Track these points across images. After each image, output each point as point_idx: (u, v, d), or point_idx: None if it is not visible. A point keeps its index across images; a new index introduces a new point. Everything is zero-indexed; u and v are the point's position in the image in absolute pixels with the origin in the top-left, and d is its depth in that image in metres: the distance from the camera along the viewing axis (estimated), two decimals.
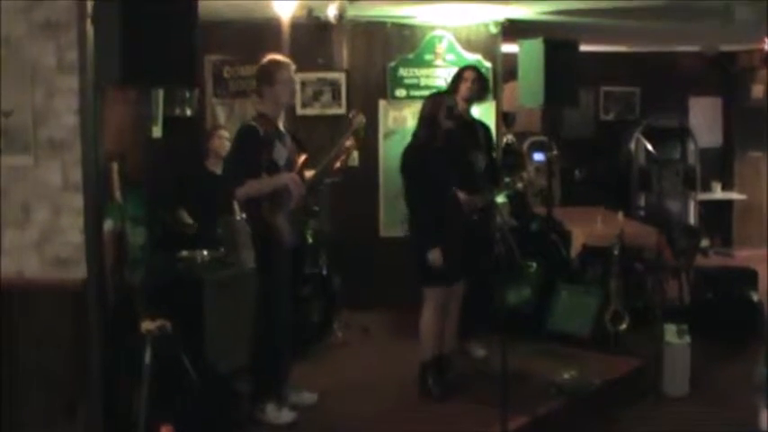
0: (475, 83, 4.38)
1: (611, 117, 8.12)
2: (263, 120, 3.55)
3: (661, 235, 5.13)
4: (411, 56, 5.57)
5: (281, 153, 3.53)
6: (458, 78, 4.44)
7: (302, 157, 3.68)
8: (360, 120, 3.76)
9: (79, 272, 3.21)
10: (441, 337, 3.97)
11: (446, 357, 4.06)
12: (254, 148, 3.47)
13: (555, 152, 5.68)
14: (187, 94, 5.13)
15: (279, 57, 3.62)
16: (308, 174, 3.70)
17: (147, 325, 3.25)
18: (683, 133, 7.83)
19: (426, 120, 3.88)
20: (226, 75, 5.41)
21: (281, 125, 3.64)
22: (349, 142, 3.70)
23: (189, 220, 4.49)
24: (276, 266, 3.54)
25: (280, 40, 5.15)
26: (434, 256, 3.75)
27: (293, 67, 3.60)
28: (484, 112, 5.01)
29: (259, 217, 3.52)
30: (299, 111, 5.45)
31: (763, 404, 3.32)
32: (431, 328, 3.94)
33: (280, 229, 3.51)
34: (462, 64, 4.94)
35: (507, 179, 4.53)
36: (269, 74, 3.54)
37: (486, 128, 4.63)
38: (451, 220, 3.87)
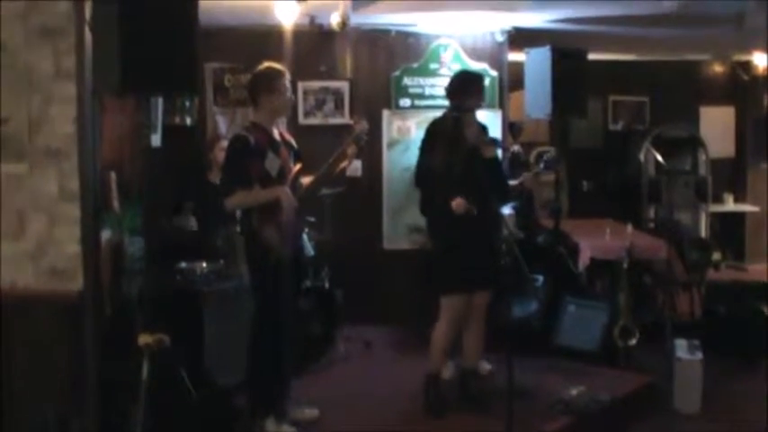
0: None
1: (619, 127, 8.03)
2: (256, 129, 3.50)
3: (671, 248, 5.03)
4: (416, 65, 5.51)
5: (273, 163, 3.46)
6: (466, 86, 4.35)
7: (297, 167, 3.61)
8: (362, 126, 3.67)
9: (75, 283, 3.18)
10: (451, 351, 3.91)
11: (470, 372, 4.00)
12: (244, 159, 3.41)
13: (561, 160, 5.58)
14: (187, 103, 5.08)
15: (275, 64, 3.56)
16: (306, 180, 3.64)
17: (144, 338, 3.21)
18: (694, 143, 7.72)
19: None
20: (227, 83, 5.36)
21: (275, 134, 3.58)
22: (350, 149, 3.63)
23: (194, 225, 4.41)
24: (270, 279, 3.47)
25: (282, 47, 5.13)
26: (457, 203, 3.64)
27: (288, 76, 3.54)
28: (489, 121, 4.92)
29: (249, 229, 3.46)
30: (302, 120, 5.40)
31: None
32: (442, 341, 3.88)
33: (268, 242, 3.43)
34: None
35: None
36: (266, 82, 3.48)
37: (485, 129, 4.55)
38: (470, 227, 3.74)
